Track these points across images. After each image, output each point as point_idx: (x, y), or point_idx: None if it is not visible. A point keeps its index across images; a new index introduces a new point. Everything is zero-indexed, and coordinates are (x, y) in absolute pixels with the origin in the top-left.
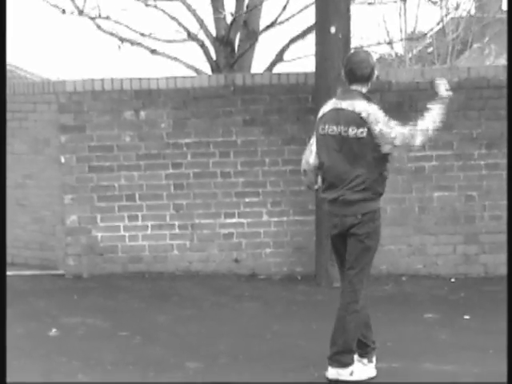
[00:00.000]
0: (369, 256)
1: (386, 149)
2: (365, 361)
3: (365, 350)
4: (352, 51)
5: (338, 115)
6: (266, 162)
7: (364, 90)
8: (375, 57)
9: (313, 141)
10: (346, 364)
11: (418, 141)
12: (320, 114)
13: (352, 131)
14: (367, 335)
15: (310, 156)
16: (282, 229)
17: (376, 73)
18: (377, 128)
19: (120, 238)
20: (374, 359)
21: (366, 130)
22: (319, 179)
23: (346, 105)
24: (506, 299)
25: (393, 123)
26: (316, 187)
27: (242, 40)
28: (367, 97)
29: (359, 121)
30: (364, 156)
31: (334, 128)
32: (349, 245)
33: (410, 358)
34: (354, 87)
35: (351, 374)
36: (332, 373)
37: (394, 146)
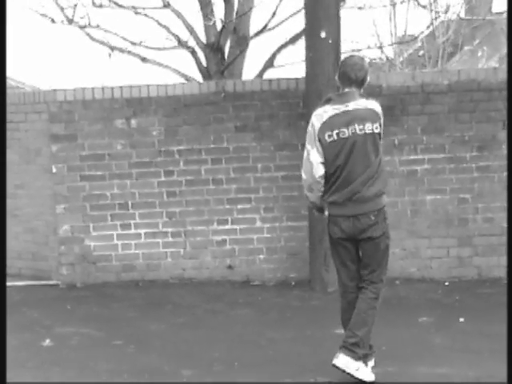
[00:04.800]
0: (387, 255)
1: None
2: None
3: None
4: (347, 55)
5: (348, 116)
6: (258, 168)
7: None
8: (366, 61)
9: (308, 153)
10: (358, 357)
11: None
12: (317, 123)
13: (368, 127)
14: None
15: (313, 168)
16: (276, 235)
17: (368, 79)
18: (382, 126)
19: (113, 247)
20: (369, 364)
21: (378, 124)
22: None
23: (353, 105)
24: (506, 302)
25: None
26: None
27: (233, 46)
28: (367, 97)
29: (374, 116)
30: (376, 150)
31: (345, 130)
32: (365, 249)
33: (405, 361)
34: (347, 90)
35: (357, 369)
36: (342, 361)
37: None
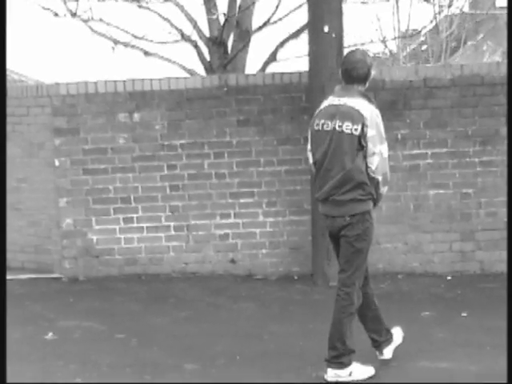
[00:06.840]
0: (360, 258)
1: (371, 160)
2: (377, 353)
3: (375, 344)
4: (349, 51)
5: (334, 110)
6: (261, 162)
7: (361, 89)
8: (369, 56)
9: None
10: (344, 365)
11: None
12: (316, 111)
13: (347, 127)
14: (377, 329)
15: (308, 156)
16: (278, 229)
17: (373, 73)
18: (371, 132)
19: (116, 241)
20: (385, 351)
21: (360, 127)
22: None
23: (344, 100)
24: (506, 297)
25: (385, 144)
26: None
27: (235, 40)
28: (368, 97)
29: (357, 117)
30: (354, 155)
31: (329, 123)
32: (340, 246)
33: (408, 356)
34: (348, 86)
35: (350, 374)
36: (331, 375)
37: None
